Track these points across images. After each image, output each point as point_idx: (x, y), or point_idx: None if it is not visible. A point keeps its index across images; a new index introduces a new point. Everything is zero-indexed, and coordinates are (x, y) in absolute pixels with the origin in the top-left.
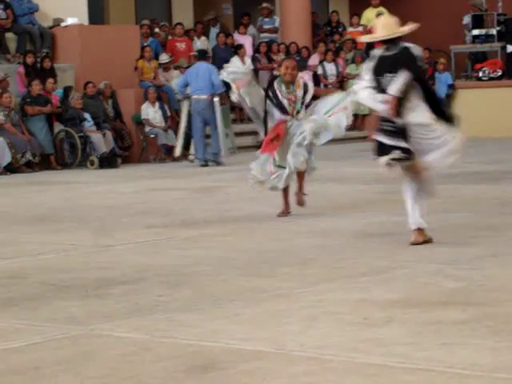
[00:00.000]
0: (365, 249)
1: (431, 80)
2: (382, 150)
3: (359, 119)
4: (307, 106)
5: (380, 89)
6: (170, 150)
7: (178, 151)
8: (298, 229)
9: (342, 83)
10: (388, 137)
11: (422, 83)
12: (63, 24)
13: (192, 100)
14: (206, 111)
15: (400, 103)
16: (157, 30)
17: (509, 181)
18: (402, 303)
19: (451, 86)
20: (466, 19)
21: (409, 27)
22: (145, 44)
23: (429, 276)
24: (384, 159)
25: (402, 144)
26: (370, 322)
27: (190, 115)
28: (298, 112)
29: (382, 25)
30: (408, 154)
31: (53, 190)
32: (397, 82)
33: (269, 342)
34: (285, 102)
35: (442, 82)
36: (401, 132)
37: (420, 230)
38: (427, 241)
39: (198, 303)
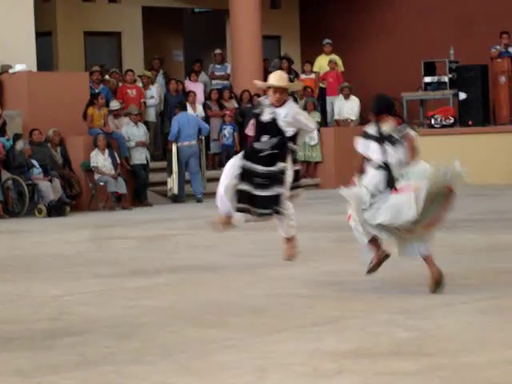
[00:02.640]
0: (316, 298)
1: None
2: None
3: (311, 167)
4: None
5: None
6: (119, 197)
7: (175, 190)
8: (249, 278)
9: None
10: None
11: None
12: (11, 70)
13: (183, 145)
14: (195, 154)
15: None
16: (106, 76)
17: (461, 229)
18: (354, 353)
19: None
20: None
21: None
22: (96, 90)
23: (380, 325)
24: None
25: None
26: (321, 372)
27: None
28: None
29: (279, 76)
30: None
31: None
32: None
33: None
34: None
35: None
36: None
37: None
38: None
39: (146, 355)
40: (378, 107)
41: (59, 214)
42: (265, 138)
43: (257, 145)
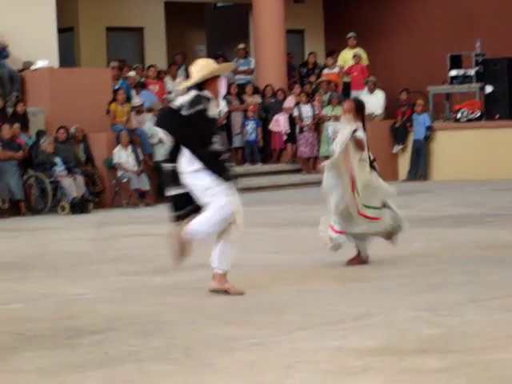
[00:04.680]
0: (342, 295)
1: (409, 122)
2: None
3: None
4: None
5: None
6: (142, 194)
7: None
8: (273, 275)
9: (317, 125)
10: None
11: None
12: (33, 67)
13: None
14: None
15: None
16: (132, 73)
17: (487, 224)
18: (379, 351)
19: (429, 128)
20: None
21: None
22: (115, 86)
23: (407, 323)
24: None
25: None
26: (348, 370)
27: None
28: None
29: (196, 68)
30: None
31: (22, 237)
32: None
33: None
34: None
35: (420, 123)
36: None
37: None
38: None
39: (170, 353)
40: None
41: (82, 211)
42: (215, 139)
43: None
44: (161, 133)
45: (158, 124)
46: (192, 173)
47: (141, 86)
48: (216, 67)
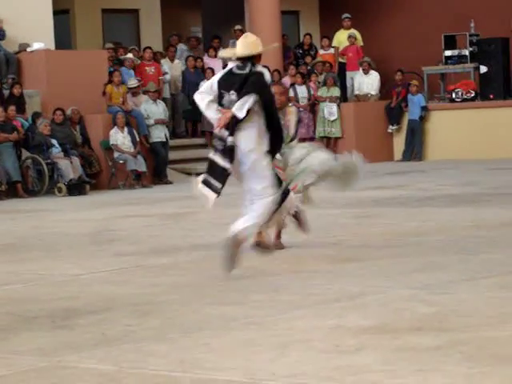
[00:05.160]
0: (337, 274)
1: (404, 102)
2: (213, 170)
3: (331, 142)
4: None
5: (220, 103)
6: (139, 175)
7: None
8: (269, 255)
9: (313, 106)
10: (220, 156)
11: (270, 112)
12: (29, 49)
13: None
14: None
15: (234, 123)
16: (130, 55)
17: (483, 203)
18: (375, 329)
19: (424, 108)
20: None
21: (267, 47)
22: (111, 69)
23: (402, 301)
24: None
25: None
26: (342, 349)
27: None
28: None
29: (242, 42)
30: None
31: (19, 219)
32: (243, 102)
33: (239, 371)
34: None
35: (415, 103)
36: (228, 152)
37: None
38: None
39: (167, 332)
40: None
41: (79, 193)
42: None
43: None
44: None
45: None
46: (259, 153)
47: (118, 64)
48: (263, 47)
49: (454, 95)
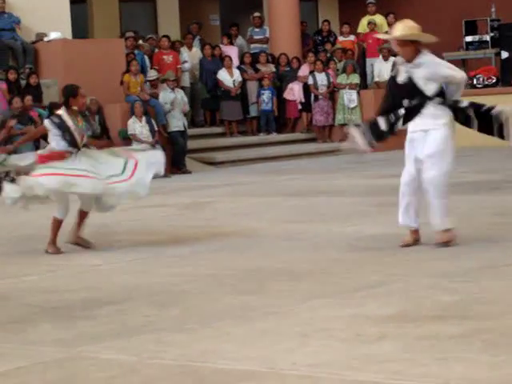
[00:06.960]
0: (358, 263)
1: None
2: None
3: None
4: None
5: None
6: None
7: None
8: (287, 244)
9: (332, 93)
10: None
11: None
12: (46, 39)
13: None
14: None
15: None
16: (140, 41)
17: (505, 190)
18: (397, 318)
19: None
20: None
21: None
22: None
23: (424, 290)
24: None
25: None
26: (364, 338)
27: None
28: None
29: (401, 25)
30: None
31: (38, 209)
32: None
33: (260, 361)
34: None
35: None
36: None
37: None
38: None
39: (186, 323)
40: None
41: None
42: (405, 103)
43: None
44: None
45: None
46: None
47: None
48: (419, 33)
49: (475, 81)
